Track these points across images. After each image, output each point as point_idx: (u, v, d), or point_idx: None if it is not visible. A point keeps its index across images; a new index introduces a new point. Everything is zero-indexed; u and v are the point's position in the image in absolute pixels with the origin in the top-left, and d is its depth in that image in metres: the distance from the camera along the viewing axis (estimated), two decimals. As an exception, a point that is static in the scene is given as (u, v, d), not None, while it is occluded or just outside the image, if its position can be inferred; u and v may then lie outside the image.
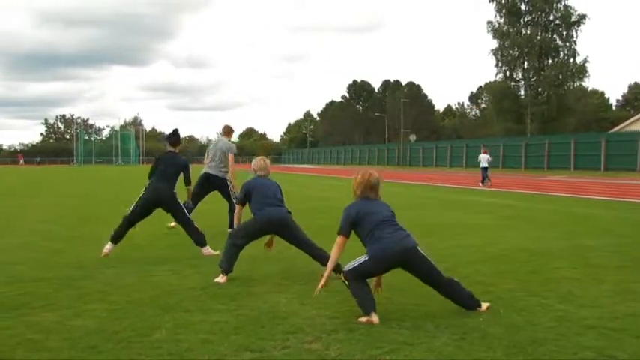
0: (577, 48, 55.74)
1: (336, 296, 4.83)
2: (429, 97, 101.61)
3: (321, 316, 4.36)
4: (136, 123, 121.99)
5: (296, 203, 14.89)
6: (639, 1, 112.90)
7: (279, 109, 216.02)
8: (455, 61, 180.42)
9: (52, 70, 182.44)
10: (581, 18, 55.26)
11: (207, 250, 7.06)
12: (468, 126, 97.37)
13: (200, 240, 7.08)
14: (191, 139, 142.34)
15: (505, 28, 57.39)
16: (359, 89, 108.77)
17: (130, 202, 7.27)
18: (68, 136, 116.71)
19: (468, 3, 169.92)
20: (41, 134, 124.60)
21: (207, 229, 7.60)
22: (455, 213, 12.41)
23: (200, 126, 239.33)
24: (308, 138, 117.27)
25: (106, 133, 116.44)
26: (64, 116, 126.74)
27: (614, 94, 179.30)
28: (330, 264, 4.57)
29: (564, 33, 55.70)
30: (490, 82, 68.26)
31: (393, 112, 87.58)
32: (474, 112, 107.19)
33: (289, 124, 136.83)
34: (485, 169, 23.49)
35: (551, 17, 56.12)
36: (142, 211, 6.99)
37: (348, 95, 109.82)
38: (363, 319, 4.21)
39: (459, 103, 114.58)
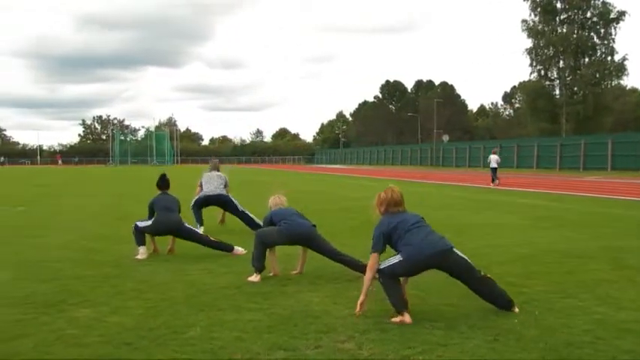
0: (615, 46, 54.46)
1: (369, 296, 4.81)
2: (462, 97, 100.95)
3: (354, 316, 4.36)
4: (171, 123, 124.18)
5: (329, 203, 14.94)
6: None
7: (312, 110, 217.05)
8: (488, 61, 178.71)
9: (90, 71, 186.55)
10: (621, 15, 53.88)
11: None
12: (501, 126, 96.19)
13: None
14: (225, 139, 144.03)
15: (540, 26, 56.38)
16: (392, 89, 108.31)
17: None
18: (104, 137, 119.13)
19: (502, 2, 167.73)
20: (79, 135, 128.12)
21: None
22: (486, 213, 12.27)
23: (234, 126, 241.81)
24: (341, 138, 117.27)
25: (141, 133, 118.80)
26: (100, 117, 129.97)
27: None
28: (365, 288, 4.44)
29: (602, 31, 54.37)
30: (524, 81, 67.15)
31: (425, 112, 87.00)
32: (507, 112, 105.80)
33: (322, 125, 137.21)
34: (494, 169, 24.37)
35: (588, 15, 54.86)
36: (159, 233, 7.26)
37: (380, 95, 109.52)
38: (396, 319, 4.20)
39: (492, 103, 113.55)
